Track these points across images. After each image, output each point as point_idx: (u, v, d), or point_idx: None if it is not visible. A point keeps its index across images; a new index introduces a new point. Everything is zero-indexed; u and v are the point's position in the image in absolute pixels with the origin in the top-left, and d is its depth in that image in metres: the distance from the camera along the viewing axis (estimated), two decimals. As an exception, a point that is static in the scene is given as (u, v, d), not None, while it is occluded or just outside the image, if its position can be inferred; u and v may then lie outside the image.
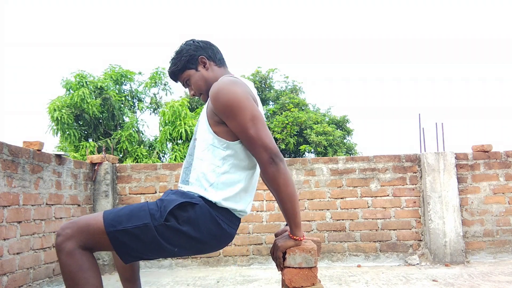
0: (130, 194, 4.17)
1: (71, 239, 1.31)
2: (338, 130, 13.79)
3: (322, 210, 4.08)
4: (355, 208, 4.06)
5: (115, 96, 11.07)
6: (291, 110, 13.43)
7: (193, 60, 1.59)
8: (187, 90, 1.69)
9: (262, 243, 4.05)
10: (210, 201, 1.41)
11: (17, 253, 2.87)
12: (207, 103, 1.51)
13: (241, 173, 1.46)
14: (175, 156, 10.18)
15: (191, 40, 1.64)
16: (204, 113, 1.49)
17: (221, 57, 1.65)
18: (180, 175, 1.57)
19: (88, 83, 10.89)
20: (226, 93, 1.37)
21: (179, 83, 1.68)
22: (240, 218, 1.53)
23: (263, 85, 15.34)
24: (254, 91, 1.52)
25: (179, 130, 10.29)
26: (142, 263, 3.99)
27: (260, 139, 1.34)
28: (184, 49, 1.60)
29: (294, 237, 1.39)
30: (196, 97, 1.68)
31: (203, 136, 1.47)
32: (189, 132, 10.27)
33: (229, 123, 1.38)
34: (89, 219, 1.36)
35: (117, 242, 1.33)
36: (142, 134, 11.91)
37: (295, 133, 12.80)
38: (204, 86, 1.59)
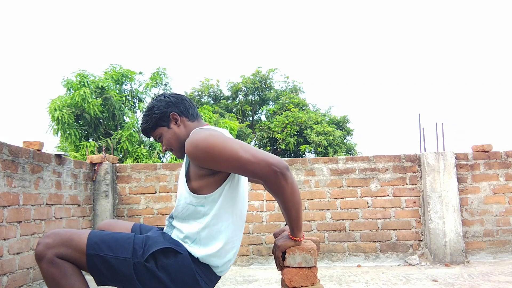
0: (130, 194, 4.17)
1: (51, 249, 1.31)
2: (338, 130, 13.80)
3: (322, 210, 4.08)
4: (355, 208, 4.06)
5: (115, 96, 11.06)
6: (291, 110, 13.45)
7: (164, 117, 1.55)
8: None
9: (262, 243, 4.05)
10: (193, 256, 1.40)
11: (17, 253, 2.88)
12: (183, 165, 1.49)
13: (225, 222, 1.43)
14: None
15: (162, 95, 1.60)
16: (182, 174, 1.46)
17: (193, 112, 1.60)
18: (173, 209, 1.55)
19: (89, 82, 10.89)
20: (204, 139, 1.34)
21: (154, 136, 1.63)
22: (220, 277, 1.51)
23: (263, 85, 15.34)
24: (230, 137, 1.51)
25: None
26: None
27: (258, 158, 1.27)
28: (155, 106, 1.56)
29: (294, 238, 1.39)
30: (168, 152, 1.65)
31: (182, 195, 1.44)
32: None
33: (220, 164, 1.33)
34: (73, 234, 1.36)
35: (93, 266, 1.34)
36: (143, 134, 11.90)
37: (295, 133, 12.81)
38: (176, 143, 1.56)
